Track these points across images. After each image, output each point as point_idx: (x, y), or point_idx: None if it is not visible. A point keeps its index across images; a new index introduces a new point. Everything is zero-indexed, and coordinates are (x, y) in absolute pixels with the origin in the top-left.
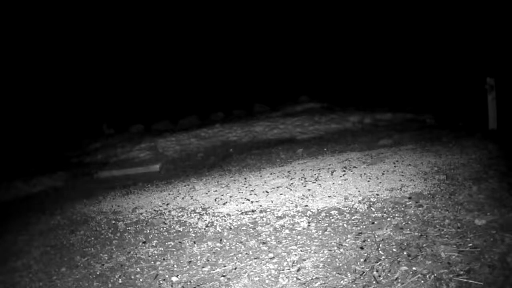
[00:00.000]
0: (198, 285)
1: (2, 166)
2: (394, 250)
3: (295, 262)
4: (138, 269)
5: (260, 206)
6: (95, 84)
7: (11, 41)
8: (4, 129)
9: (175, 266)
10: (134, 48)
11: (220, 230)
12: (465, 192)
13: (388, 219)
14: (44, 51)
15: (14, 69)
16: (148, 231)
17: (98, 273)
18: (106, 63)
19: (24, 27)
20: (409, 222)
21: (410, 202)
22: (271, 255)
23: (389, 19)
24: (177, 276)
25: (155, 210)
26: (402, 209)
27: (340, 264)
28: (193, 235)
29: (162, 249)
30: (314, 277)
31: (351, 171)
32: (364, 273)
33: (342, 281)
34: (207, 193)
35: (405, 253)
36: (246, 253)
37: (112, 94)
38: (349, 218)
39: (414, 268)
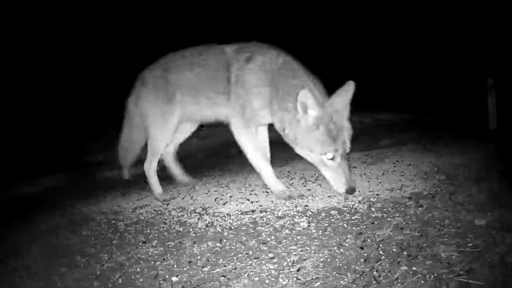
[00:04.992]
0: (198, 285)
1: (2, 166)
2: (394, 250)
3: (295, 262)
4: (138, 269)
5: (260, 206)
6: (95, 84)
7: (16, 47)
8: (4, 130)
9: (175, 266)
10: (134, 48)
11: (220, 230)
12: (465, 192)
13: (388, 219)
14: (45, 55)
15: (15, 73)
16: (148, 231)
17: (98, 273)
18: (106, 64)
19: (29, 32)
20: (409, 222)
21: (410, 202)
22: (271, 255)
23: (388, 18)
24: (177, 276)
25: (155, 210)
26: (402, 209)
27: (340, 264)
28: (193, 235)
29: (162, 249)
30: (314, 277)
31: (351, 171)
32: (364, 273)
33: (342, 281)
34: (207, 193)
35: (405, 253)
36: (246, 253)
37: (112, 94)
38: (349, 218)
39: (414, 268)
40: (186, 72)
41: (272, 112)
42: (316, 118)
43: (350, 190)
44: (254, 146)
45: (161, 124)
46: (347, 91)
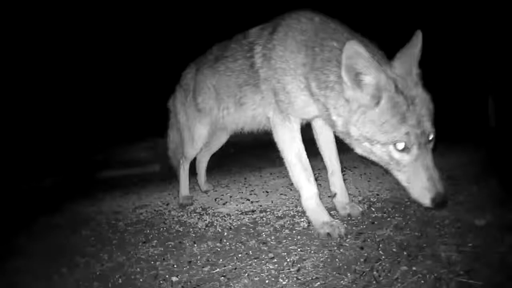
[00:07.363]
0: (198, 285)
1: (3, 167)
2: (394, 250)
3: (295, 262)
4: (138, 269)
5: (260, 206)
6: (96, 85)
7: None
8: (4, 130)
9: (175, 266)
10: (135, 51)
11: (220, 230)
12: (465, 192)
13: (388, 219)
14: (51, 67)
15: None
16: (148, 231)
17: (98, 273)
18: (107, 64)
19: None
20: (409, 222)
21: (410, 202)
22: (271, 255)
23: (388, 17)
24: (177, 276)
25: (155, 210)
26: (402, 209)
27: (340, 264)
28: (193, 235)
29: (162, 249)
30: (314, 277)
31: (351, 171)
32: (364, 273)
33: (342, 281)
34: (207, 193)
35: (405, 253)
36: (246, 253)
37: (113, 94)
38: (349, 218)
39: (414, 268)
40: (207, 71)
41: (313, 97)
42: (375, 88)
43: (440, 200)
44: (295, 151)
45: (190, 133)
46: (414, 46)
